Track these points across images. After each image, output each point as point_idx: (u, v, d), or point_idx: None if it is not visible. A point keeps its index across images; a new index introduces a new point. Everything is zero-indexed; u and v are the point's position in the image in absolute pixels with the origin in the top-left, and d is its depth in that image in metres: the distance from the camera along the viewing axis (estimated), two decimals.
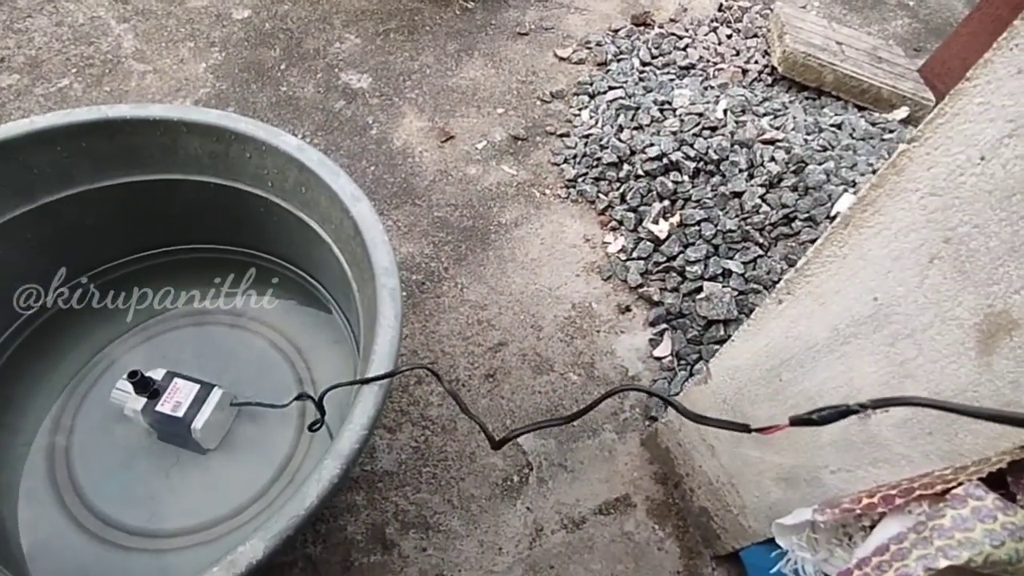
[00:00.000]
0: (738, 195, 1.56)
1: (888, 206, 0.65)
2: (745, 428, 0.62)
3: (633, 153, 1.71)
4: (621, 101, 1.88)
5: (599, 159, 1.76)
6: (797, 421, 0.55)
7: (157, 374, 1.13)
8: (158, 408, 1.09)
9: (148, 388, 1.10)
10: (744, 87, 1.99)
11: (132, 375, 1.08)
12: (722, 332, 1.41)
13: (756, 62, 2.11)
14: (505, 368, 1.43)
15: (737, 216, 1.54)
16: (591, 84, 2.04)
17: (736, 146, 1.62)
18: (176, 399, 1.10)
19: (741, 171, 1.58)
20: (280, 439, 1.18)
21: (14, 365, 1.17)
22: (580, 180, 1.77)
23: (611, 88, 1.98)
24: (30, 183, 1.07)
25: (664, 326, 1.51)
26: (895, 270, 0.65)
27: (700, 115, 1.73)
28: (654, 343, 1.49)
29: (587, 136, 1.85)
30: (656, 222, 1.61)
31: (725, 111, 1.73)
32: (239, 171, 1.12)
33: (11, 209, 1.07)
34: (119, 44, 1.99)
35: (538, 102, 1.99)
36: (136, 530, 1.08)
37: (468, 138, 1.85)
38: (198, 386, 1.12)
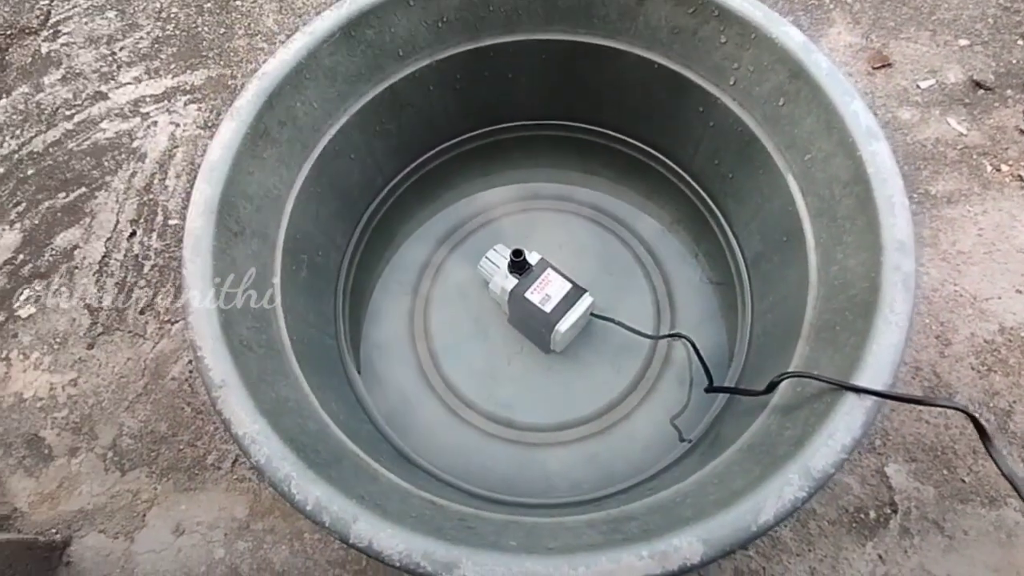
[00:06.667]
0: None
1: None
2: None
3: None
4: None
5: None
6: None
7: (533, 258, 1.05)
8: (527, 295, 1.01)
9: (522, 270, 1.03)
10: None
11: (517, 253, 1.01)
12: None
13: None
14: None
15: None
16: None
17: None
18: (546, 291, 1.01)
19: None
20: (629, 352, 1.08)
21: (401, 205, 1.19)
22: None
23: None
24: (476, 22, 0.99)
25: None
26: None
27: None
28: None
29: None
30: None
31: None
32: (699, 57, 0.92)
33: (456, 45, 1.00)
34: None
35: (1021, 41, 1.45)
36: (471, 403, 1.06)
37: (910, 70, 1.43)
38: (570, 286, 1.02)
